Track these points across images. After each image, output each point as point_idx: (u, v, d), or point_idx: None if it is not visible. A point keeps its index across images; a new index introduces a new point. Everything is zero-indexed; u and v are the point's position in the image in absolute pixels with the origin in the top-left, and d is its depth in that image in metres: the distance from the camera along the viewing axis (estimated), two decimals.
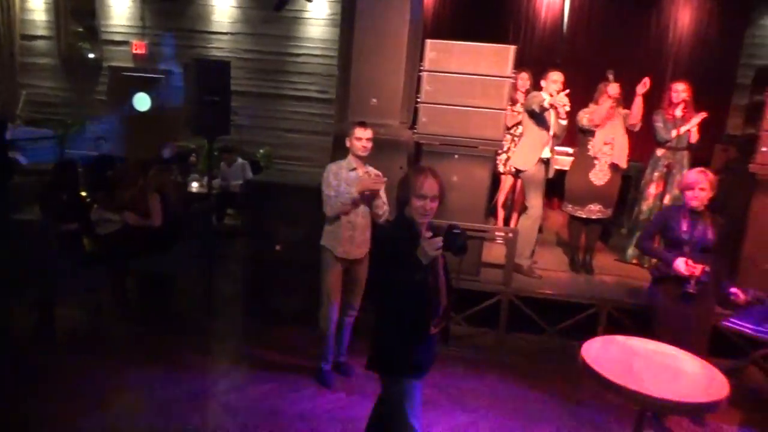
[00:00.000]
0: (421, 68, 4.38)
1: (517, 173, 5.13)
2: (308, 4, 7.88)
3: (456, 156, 4.42)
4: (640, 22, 7.14)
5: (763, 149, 4.17)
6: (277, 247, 4.58)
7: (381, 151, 4.50)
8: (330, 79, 8.18)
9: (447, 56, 4.31)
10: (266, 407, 3.58)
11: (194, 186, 6.53)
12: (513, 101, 5.49)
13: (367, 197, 3.68)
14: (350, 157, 3.71)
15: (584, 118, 4.79)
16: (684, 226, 3.50)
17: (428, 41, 4.35)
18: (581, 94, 5.02)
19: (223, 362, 4.15)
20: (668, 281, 3.54)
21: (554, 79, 4.78)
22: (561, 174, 5.25)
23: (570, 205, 5.04)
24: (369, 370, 2.51)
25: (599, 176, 4.86)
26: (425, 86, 4.36)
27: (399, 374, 2.47)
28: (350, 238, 3.70)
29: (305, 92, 8.43)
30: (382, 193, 3.73)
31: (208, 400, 3.64)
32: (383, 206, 3.74)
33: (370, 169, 3.76)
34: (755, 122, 4.30)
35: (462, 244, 2.27)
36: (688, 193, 3.51)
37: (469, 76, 4.30)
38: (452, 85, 4.34)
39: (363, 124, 3.69)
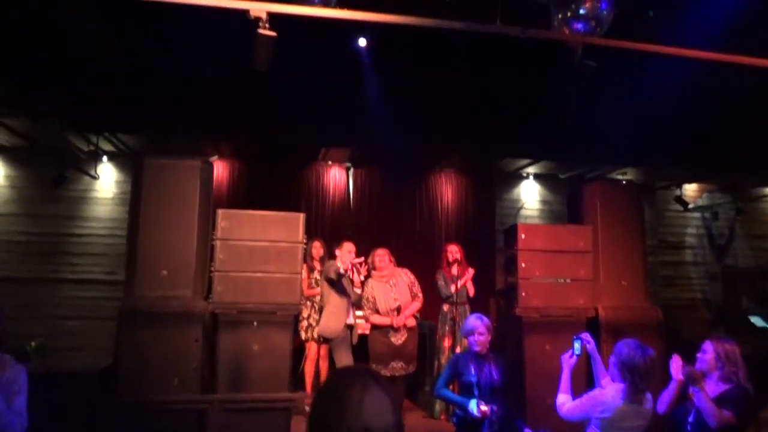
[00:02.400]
0: (214, 237, 4.40)
1: (325, 341, 5.21)
2: (95, 182, 7.60)
3: (255, 323, 4.33)
4: (412, 197, 8.21)
5: (523, 294, 4.85)
6: None
7: (174, 324, 4.25)
8: (118, 259, 7.67)
9: (239, 224, 4.42)
10: None
11: None
12: (311, 269, 5.71)
13: None
14: None
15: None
16: (472, 370, 3.75)
17: (219, 210, 4.45)
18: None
19: None
20: (468, 426, 3.67)
21: (348, 249, 5.20)
22: (363, 337, 5.42)
23: (374, 365, 5.12)
24: None
25: (397, 336, 5.09)
26: (218, 255, 4.35)
27: None
28: None
29: (89, 274, 7.73)
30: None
31: None
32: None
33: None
34: (513, 273, 5.02)
35: None
36: (471, 339, 3.81)
37: (262, 243, 4.42)
38: (246, 252, 4.40)
39: None
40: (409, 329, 5.13)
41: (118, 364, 4.11)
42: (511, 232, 5.06)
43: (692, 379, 3.04)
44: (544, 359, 4.69)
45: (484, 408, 3.56)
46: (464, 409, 3.62)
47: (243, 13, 2.57)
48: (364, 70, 5.83)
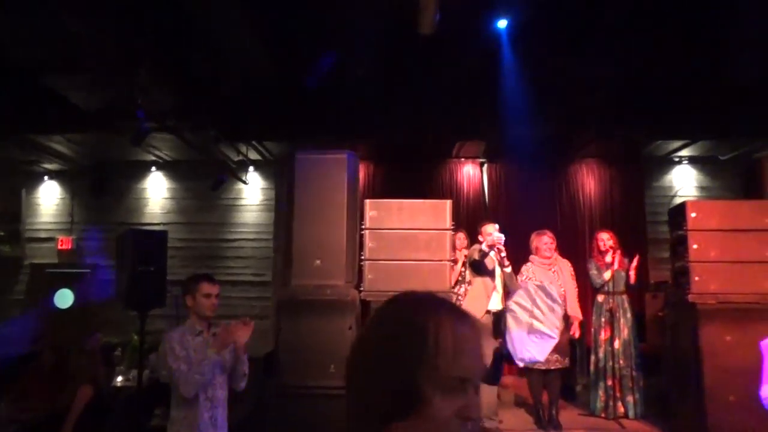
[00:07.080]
0: (362, 227, 4.45)
1: None
2: (243, 189, 8.14)
3: None
4: (551, 190, 7.79)
5: (696, 279, 4.35)
6: None
7: (328, 312, 4.35)
8: (265, 261, 8.16)
9: (387, 213, 4.44)
10: None
11: (119, 380, 5.85)
12: (453, 260, 5.61)
13: (229, 361, 3.10)
14: (193, 319, 3.12)
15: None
16: None
17: (367, 201, 4.52)
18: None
19: None
20: None
21: (489, 231, 4.99)
22: None
23: None
24: None
25: None
26: (368, 243, 4.39)
27: None
28: (212, 420, 3.02)
29: (240, 276, 8.26)
30: (243, 354, 3.13)
31: None
32: (245, 369, 3.15)
33: (219, 330, 3.13)
34: (682, 256, 4.54)
35: None
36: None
37: (411, 231, 4.40)
38: (394, 241, 4.40)
39: (210, 278, 3.21)
40: (563, 320, 4.84)
41: (279, 349, 4.27)
42: (679, 211, 4.58)
43: None
44: (725, 351, 4.17)
45: None
46: None
47: None
48: (502, 57, 5.68)
